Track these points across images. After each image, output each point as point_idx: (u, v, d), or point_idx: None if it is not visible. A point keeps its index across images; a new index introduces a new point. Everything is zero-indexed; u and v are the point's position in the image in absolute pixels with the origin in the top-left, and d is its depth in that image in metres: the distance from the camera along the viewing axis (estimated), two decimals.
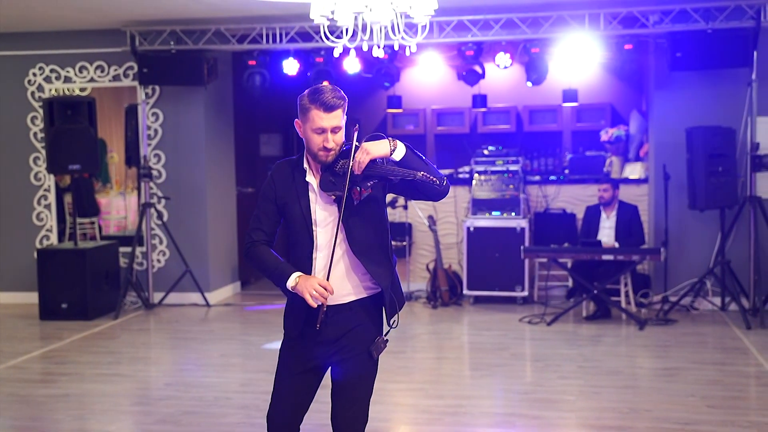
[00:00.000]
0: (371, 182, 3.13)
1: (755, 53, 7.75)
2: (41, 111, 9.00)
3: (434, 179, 3.08)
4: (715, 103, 8.17)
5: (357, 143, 3.12)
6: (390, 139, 3.14)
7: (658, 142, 8.51)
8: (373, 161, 3.08)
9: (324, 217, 3.19)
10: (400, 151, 3.13)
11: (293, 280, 3.14)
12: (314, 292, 3.07)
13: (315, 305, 3.09)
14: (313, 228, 3.19)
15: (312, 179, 3.21)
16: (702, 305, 8.24)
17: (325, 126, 3.11)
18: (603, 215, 8.19)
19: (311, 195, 3.21)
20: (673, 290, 8.30)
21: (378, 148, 3.10)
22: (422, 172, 3.07)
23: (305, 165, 3.23)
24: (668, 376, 6.06)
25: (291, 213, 3.22)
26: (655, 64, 8.49)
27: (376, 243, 3.22)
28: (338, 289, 3.18)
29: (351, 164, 3.07)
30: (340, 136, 3.16)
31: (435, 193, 3.15)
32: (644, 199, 8.89)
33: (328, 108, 3.10)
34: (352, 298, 3.22)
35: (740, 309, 7.59)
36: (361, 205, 3.16)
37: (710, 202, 7.75)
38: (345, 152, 3.16)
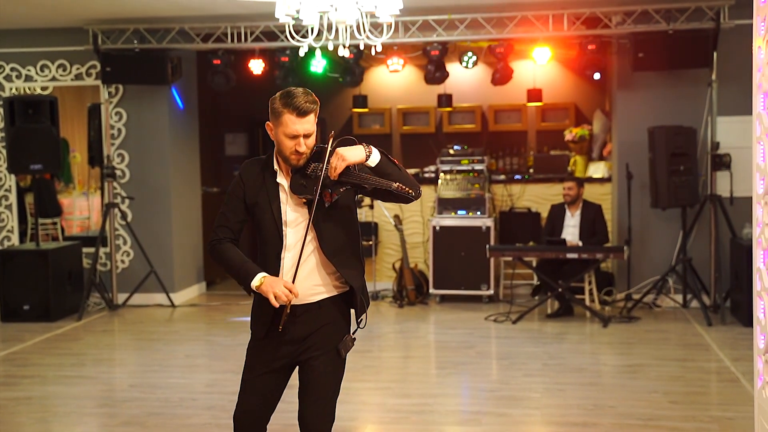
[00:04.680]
0: (344, 188, 3.11)
1: (715, 54, 7.87)
2: (1, 110, 8.85)
3: (409, 191, 3.07)
4: (677, 103, 8.29)
5: (331, 148, 3.09)
6: (365, 144, 3.12)
7: (621, 142, 8.60)
8: (347, 167, 3.07)
9: (295, 218, 3.18)
10: (375, 158, 3.11)
11: (258, 280, 3.12)
12: (278, 292, 3.05)
13: (277, 305, 3.08)
14: (283, 228, 3.17)
15: (283, 180, 3.19)
16: (664, 302, 8.35)
17: (299, 131, 3.08)
18: (567, 214, 8.27)
19: (282, 196, 3.19)
20: (636, 288, 8.40)
21: (353, 155, 3.07)
22: (397, 183, 3.05)
23: (276, 166, 3.21)
24: (631, 372, 6.14)
25: (261, 213, 3.20)
26: (618, 65, 8.58)
27: (346, 245, 3.21)
28: (307, 287, 3.17)
29: (325, 168, 3.06)
30: (312, 140, 3.14)
31: (407, 201, 3.15)
32: (608, 198, 8.99)
33: (302, 113, 3.07)
34: (321, 296, 3.22)
35: (701, 306, 7.71)
36: (332, 208, 3.14)
37: (672, 200, 7.87)
38: (316, 155, 3.14)
